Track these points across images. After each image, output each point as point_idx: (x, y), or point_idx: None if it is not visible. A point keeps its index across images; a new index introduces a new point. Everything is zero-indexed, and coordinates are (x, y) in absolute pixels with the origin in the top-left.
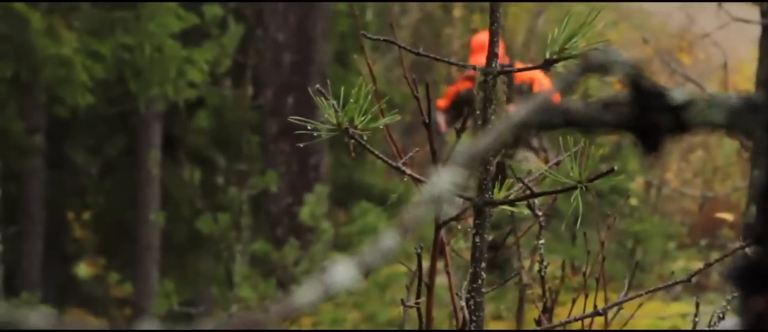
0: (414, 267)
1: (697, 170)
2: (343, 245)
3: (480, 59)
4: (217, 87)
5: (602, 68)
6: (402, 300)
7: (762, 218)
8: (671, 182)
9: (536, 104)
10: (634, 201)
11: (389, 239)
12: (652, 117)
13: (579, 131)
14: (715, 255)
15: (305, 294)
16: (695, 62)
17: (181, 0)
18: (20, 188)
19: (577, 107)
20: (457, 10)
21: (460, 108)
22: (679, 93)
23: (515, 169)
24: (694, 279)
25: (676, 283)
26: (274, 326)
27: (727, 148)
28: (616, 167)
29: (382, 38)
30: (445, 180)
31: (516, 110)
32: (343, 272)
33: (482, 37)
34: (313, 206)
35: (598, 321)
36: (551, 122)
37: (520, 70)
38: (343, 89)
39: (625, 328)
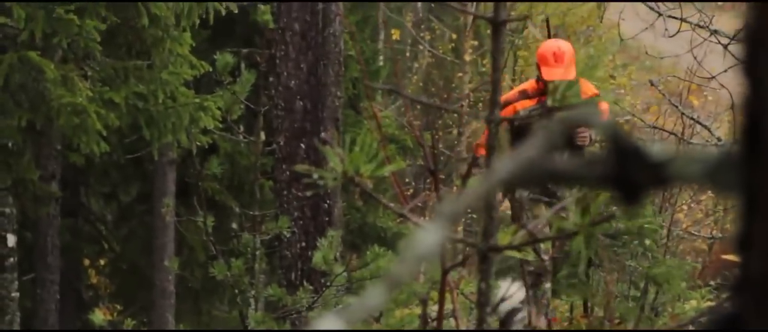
0: (430, 309)
1: (708, 211)
2: (356, 289)
3: (554, 72)
4: (229, 133)
5: (582, 126)
6: None
7: (739, 268)
8: (682, 222)
9: (521, 160)
10: (647, 242)
11: (374, 296)
12: (631, 174)
13: (563, 186)
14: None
15: None
16: (705, 104)
17: (193, 48)
18: (36, 235)
19: (561, 164)
20: (468, 55)
21: (521, 131)
22: (657, 150)
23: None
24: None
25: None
26: None
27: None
28: (621, 211)
29: (388, 87)
30: (429, 237)
31: (500, 166)
32: (328, 326)
33: (551, 45)
34: (326, 250)
35: None
36: (536, 178)
37: (521, 118)
38: (352, 134)
39: None
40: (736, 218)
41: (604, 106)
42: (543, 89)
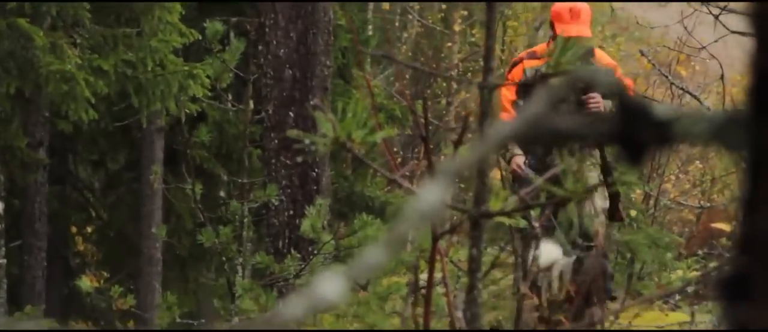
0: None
1: (696, 181)
2: (343, 257)
3: (569, 28)
4: (218, 102)
5: (588, 85)
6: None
7: (745, 228)
8: (670, 192)
9: (524, 118)
10: (633, 213)
11: (375, 254)
12: (637, 132)
13: (566, 145)
14: (712, 265)
15: (293, 306)
16: (693, 74)
17: (182, 16)
18: (23, 202)
19: (565, 122)
20: (457, 25)
21: (529, 93)
22: (663, 109)
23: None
24: (691, 289)
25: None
26: None
27: (725, 159)
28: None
29: (380, 53)
30: (430, 195)
31: (502, 125)
32: (330, 285)
33: (567, 2)
34: (314, 218)
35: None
36: (540, 135)
37: (516, 83)
38: (342, 102)
39: None
40: (742, 178)
41: (628, 80)
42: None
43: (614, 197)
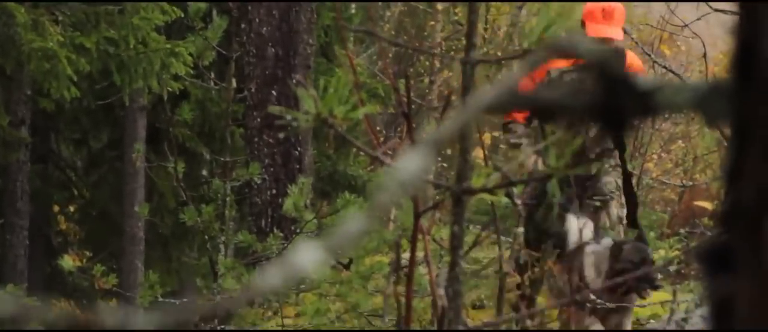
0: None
1: (678, 160)
2: (326, 235)
3: (600, 28)
4: (201, 80)
5: (568, 54)
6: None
7: (728, 199)
8: (652, 172)
9: (503, 88)
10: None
11: (355, 222)
12: (619, 102)
13: (546, 116)
14: (694, 244)
15: (271, 277)
16: (676, 53)
17: None
18: (5, 181)
19: (545, 93)
20: (440, 3)
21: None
22: (645, 79)
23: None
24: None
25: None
26: (241, 309)
27: (707, 138)
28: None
29: (362, 29)
30: (411, 165)
31: (482, 94)
32: (308, 255)
33: (601, 2)
34: (297, 197)
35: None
36: (520, 106)
37: (498, 60)
38: (325, 80)
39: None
40: (726, 148)
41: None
42: None
43: (632, 204)
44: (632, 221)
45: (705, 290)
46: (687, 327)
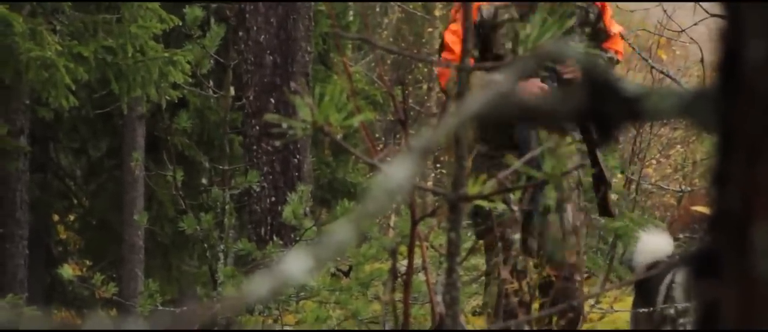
0: (400, 262)
1: (677, 165)
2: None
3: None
4: (199, 88)
5: (556, 60)
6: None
7: (715, 205)
8: (651, 177)
9: (492, 95)
10: (614, 197)
11: (343, 231)
12: (606, 108)
13: (536, 123)
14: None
15: (258, 285)
16: (674, 58)
17: (162, 0)
18: (4, 190)
19: (534, 99)
20: (438, 10)
21: (486, 41)
22: (631, 85)
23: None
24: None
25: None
26: (228, 315)
27: (706, 143)
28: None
29: (359, 37)
30: (398, 172)
31: (472, 101)
32: (296, 263)
33: None
34: (296, 205)
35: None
36: (508, 112)
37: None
38: (322, 87)
39: (604, 321)
40: (712, 153)
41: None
42: None
43: (603, 189)
44: (604, 208)
45: (693, 293)
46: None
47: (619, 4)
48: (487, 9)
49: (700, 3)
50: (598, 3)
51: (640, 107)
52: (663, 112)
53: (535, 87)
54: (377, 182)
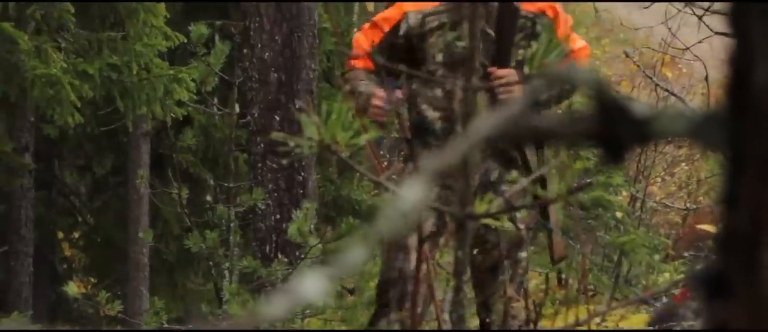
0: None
1: (682, 183)
2: (330, 261)
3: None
4: (204, 106)
5: (566, 82)
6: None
7: (724, 226)
8: (656, 195)
9: (504, 117)
10: (619, 214)
11: (357, 253)
12: (616, 131)
13: (546, 144)
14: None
15: (273, 305)
16: (678, 76)
17: (167, 19)
18: (9, 208)
19: (544, 121)
20: None
21: (396, 54)
22: (642, 107)
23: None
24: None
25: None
26: None
27: (710, 161)
28: (596, 181)
29: (363, 56)
30: (412, 194)
31: (484, 123)
32: (312, 283)
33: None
34: (301, 222)
35: None
36: (519, 135)
37: (499, 85)
38: (328, 105)
39: None
40: (722, 175)
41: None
42: None
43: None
44: (553, 253)
45: (703, 315)
46: None
47: (624, 21)
48: (414, 15)
49: (704, 21)
50: (550, 12)
51: (650, 129)
52: (672, 133)
53: (377, 100)
54: (390, 203)
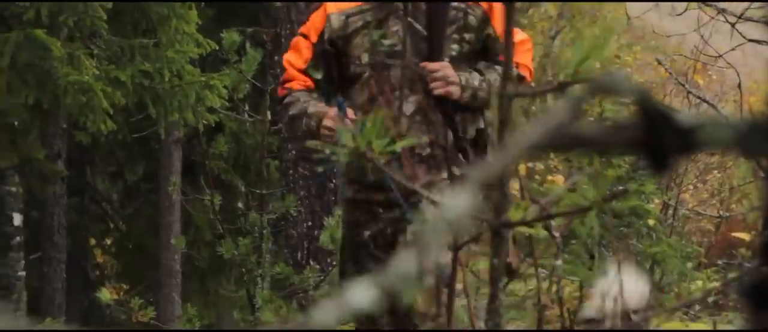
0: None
1: (714, 191)
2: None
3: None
4: (235, 112)
5: (610, 92)
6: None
7: (767, 236)
8: (688, 202)
9: (549, 126)
10: (651, 222)
11: (406, 262)
12: (661, 140)
13: (591, 153)
14: (732, 275)
15: (324, 313)
16: (710, 83)
17: (199, 26)
18: (42, 214)
19: (589, 129)
20: None
21: (331, 63)
22: (686, 116)
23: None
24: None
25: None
26: None
27: (743, 168)
28: (630, 188)
29: (392, 63)
30: (459, 203)
31: (528, 134)
32: (362, 293)
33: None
34: (333, 229)
35: None
36: (564, 144)
37: (534, 93)
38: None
39: None
40: (763, 186)
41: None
42: None
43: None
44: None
45: (748, 324)
46: None
47: (656, 28)
48: (337, 17)
49: (737, 28)
50: (483, 3)
51: (694, 138)
52: (717, 143)
53: (328, 121)
54: (436, 213)
